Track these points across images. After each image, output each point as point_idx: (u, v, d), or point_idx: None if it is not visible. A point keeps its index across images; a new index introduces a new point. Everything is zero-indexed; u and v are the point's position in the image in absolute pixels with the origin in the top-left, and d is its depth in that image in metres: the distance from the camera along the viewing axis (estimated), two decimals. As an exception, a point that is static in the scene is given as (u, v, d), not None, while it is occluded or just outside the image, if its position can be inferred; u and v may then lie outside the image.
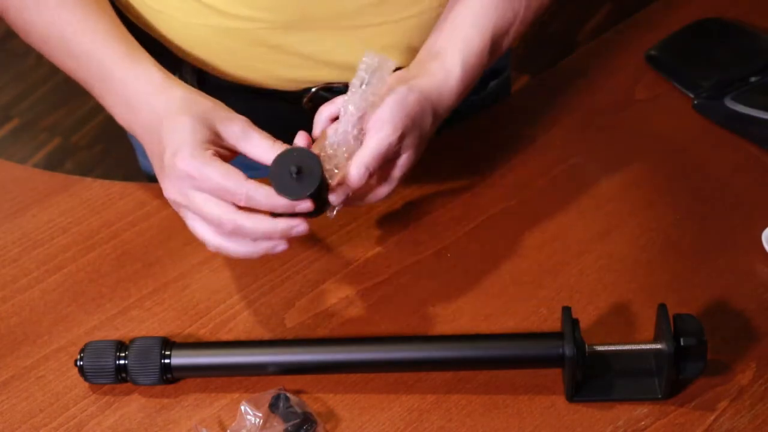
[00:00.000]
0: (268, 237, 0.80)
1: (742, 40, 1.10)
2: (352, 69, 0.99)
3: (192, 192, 0.81)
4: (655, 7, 1.17)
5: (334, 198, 0.82)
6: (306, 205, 0.79)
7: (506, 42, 0.94)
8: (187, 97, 0.85)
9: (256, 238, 0.80)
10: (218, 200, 0.80)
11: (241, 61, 0.98)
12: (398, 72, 0.88)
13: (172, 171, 0.81)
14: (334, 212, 0.83)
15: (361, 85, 0.82)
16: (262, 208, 0.80)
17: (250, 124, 0.84)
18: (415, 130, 0.85)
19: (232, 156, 0.84)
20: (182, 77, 1.04)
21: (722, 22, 1.12)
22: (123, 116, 0.89)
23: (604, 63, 1.12)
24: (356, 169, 0.81)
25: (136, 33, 1.02)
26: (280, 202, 0.79)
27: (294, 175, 0.78)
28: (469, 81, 0.90)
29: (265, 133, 0.83)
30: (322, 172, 0.79)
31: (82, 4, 0.90)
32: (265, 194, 0.79)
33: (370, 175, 0.82)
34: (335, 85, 1.02)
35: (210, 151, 0.81)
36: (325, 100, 1.02)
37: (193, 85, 1.03)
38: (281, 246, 0.80)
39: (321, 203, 0.81)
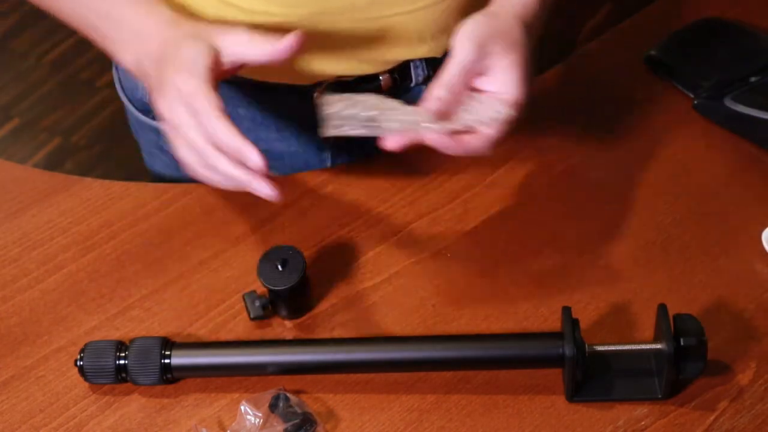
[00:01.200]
0: (237, 183, 0.83)
1: (742, 40, 1.10)
2: (363, 61, 0.99)
3: (181, 110, 0.83)
4: (655, 7, 1.17)
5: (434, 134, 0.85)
6: (256, 159, 0.81)
7: None
8: (196, 26, 0.88)
9: (227, 177, 0.83)
10: (198, 129, 0.82)
11: None
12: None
13: (169, 86, 0.84)
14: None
15: None
16: (219, 141, 0.82)
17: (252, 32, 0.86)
18: (498, 39, 0.86)
19: (233, 71, 0.87)
20: None
21: (722, 22, 1.12)
22: (128, 49, 0.89)
23: (604, 63, 1.12)
24: (437, 90, 0.84)
25: None
26: (234, 144, 0.81)
27: (280, 268, 0.85)
28: None
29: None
30: (305, 265, 0.86)
31: None
32: (225, 129, 0.81)
33: (454, 94, 0.84)
34: (345, 78, 1.02)
35: (210, 74, 0.83)
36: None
37: None
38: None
39: (304, 299, 0.89)
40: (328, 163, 1.10)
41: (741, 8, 1.14)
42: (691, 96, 1.05)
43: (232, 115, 1.06)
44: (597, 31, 1.18)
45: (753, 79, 1.04)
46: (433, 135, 0.86)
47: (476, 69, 0.86)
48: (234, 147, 0.82)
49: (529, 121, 1.04)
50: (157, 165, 1.16)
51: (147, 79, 0.89)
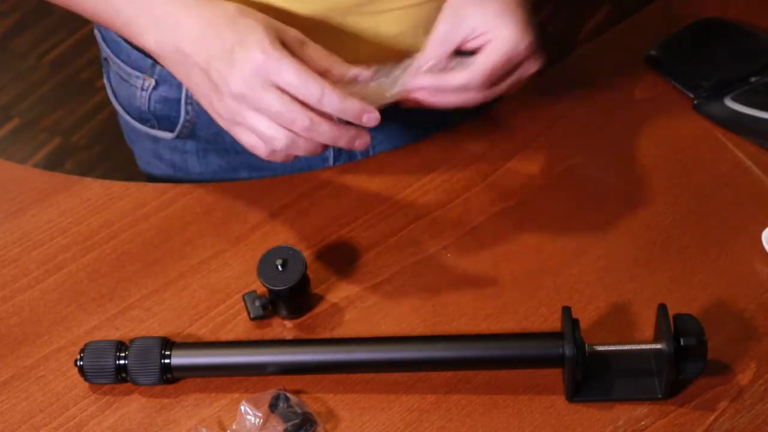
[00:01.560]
0: (333, 142, 0.83)
1: (742, 40, 1.10)
2: (371, 54, 0.99)
3: (265, 87, 0.80)
4: (655, 7, 1.17)
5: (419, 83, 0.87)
6: (373, 116, 0.82)
7: None
8: (243, 6, 0.85)
9: (324, 140, 0.83)
10: (291, 98, 0.80)
11: None
12: None
13: (245, 63, 0.81)
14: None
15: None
16: (332, 111, 0.81)
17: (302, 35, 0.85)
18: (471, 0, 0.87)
19: None
20: None
21: (722, 22, 1.12)
22: (162, 35, 0.85)
23: (604, 63, 1.12)
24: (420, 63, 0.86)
25: None
26: (352, 107, 0.81)
27: (280, 268, 0.85)
28: None
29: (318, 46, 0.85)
30: (305, 265, 0.86)
31: None
32: (338, 98, 0.81)
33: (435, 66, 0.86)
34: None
35: (286, 50, 0.81)
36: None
37: None
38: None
39: (304, 299, 0.88)
40: (330, 162, 1.10)
41: (741, 8, 1.14)
42: (691, 96, 1.05)
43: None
44: (597, 31, 1.18)
45: (753, 79, 1.04)
46: (421, 82, 0.86)
47: (457, 37, 0.86)
48: (353, 112, 0.82)
49: (529, 120, 1.05)
50: (155, 172, 1.16)
51: (184, 59, 0.85)
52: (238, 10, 0.84)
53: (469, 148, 1.03)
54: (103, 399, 0.85)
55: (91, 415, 0.84)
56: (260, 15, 0.84)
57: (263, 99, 0.81)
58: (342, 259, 0.94)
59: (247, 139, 0.85)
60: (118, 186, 1.01)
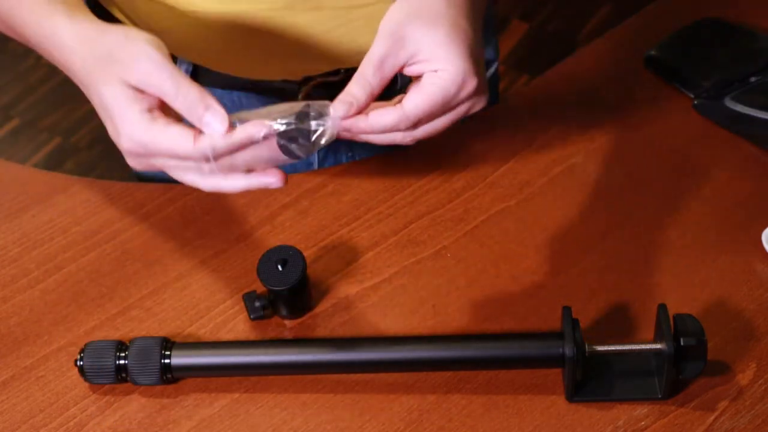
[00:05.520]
0: (247, 189, 0.77)
1: (742, 40, 1.10)
2: (351, 56, 0.98)
3: (156, 161, 0.76)
4: (655, 7, 1.17)
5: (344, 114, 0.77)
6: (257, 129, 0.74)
7: None
8: (127, 35, 0.76)
9: (235, 191, 0.77)
10: (185, 163, 0.75)
11: (240, 48, 0.96)
12: None
13: (123, 148, 0.76)
14: None
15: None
16: (229, 152, 0.74)
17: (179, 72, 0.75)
18: (415, 20, 0.78)
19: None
20: None
21: (722, 22, 1.12)
22: (65, 64, 0.80)
23: (604, 63, 1.12)
24: (351, 89, 0.77)
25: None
26: (238, 137, 0.73)
27: (280, 268, 0.85)
28: None
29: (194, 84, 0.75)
30: (305, 265, 0.86)
31: None
32: (225, 144, 0.73)
33: (370, 94, 0.78)
34: (330, 80, 1.01)
35: (153, 114, 0.75)
36: (320, 97, 1.02)
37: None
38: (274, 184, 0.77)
39: (304, 299, 0.89)
40: (315, 166, 1.10)
41: (741, 8, 1.14)
42: (691, 96, 1.05)
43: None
44: (597, 31, 1.18)
45: (753, 79, 1.05)
46: (345, 124, 0.78)
47: (396, 61, 0.78)
48: (242, 139, 0.73)
49: (529, 121, 1.05)
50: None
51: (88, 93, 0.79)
52: (109, 56, 0.76)
53: (469, 148, 1.03)
54: (103, 399, 0.85)
55: (91, 415, 0.84)
56: (141, 46, 0.75)
57: (166, 167, 0.77)
58: (342, 259, 0.94)
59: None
60: (118, 186, 1.01)
